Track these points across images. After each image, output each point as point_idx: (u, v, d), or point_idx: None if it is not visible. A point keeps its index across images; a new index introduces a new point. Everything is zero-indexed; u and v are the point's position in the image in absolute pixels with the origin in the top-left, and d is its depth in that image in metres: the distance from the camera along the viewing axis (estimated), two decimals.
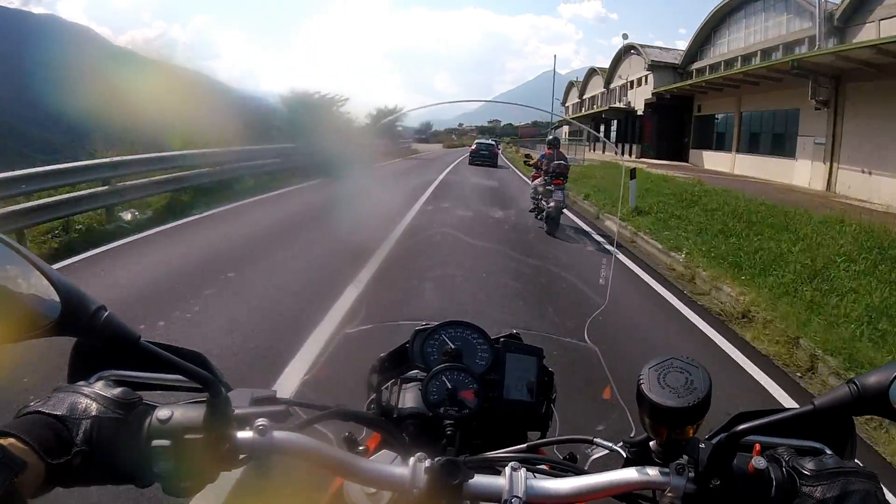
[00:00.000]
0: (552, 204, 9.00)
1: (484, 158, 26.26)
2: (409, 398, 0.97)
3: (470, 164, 25.58)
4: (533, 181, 10.38)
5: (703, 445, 0.63)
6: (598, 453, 0.79)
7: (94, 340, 0.57)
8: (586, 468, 0.76)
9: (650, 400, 0.61)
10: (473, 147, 28.05)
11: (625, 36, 31.02)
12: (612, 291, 1.42)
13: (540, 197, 9.74)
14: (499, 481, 0.66)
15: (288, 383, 2.47)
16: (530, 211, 10.10)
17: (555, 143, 10.18)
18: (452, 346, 1.01)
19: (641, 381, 0.63)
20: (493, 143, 30.78)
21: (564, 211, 9.58)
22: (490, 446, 0.79)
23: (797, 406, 0.62)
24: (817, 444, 0.67)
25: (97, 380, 0.63)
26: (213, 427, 0.60)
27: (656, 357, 0.65)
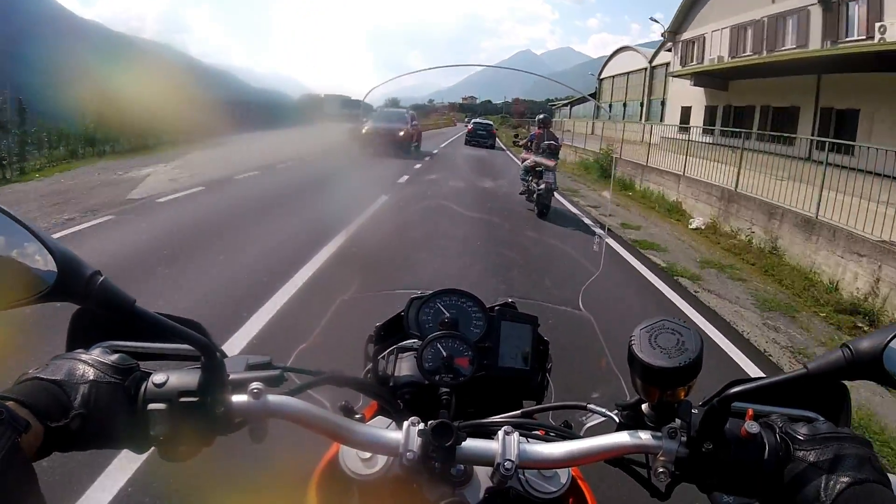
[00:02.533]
0: (542, 186, 8.79)
1: (481, 139, 25.90)
2: (404, 367, 0.98)
3: (466, 144, 25.14)
4: (522, 162, 9.97)
5: (695, 410, 0.63)
6: (593, 420, 0.80)
7: (90, 305, 0.57)
8: (581, 435, 0.77)
9: (641, 360, 0.62)
10: (470, 127, 27.47)
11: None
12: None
13: (530, 178, 9.44)
14: (492, 445, 0.66)
15: None
16: (521, 193, 9.75)
17: (545, 122, 9.91)
18: (447, 315, 1.02)
19: (633, 342, 0.63)
20: (490, 123, 29.97)
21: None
22: (486, 414, 0.80)
23: (789, 371, 0.63)
24: (811, 413, 0.67)
25: (96, 348, 0.64)
26: (208, 390, 0.61)
27: (647, 319, 0.65)
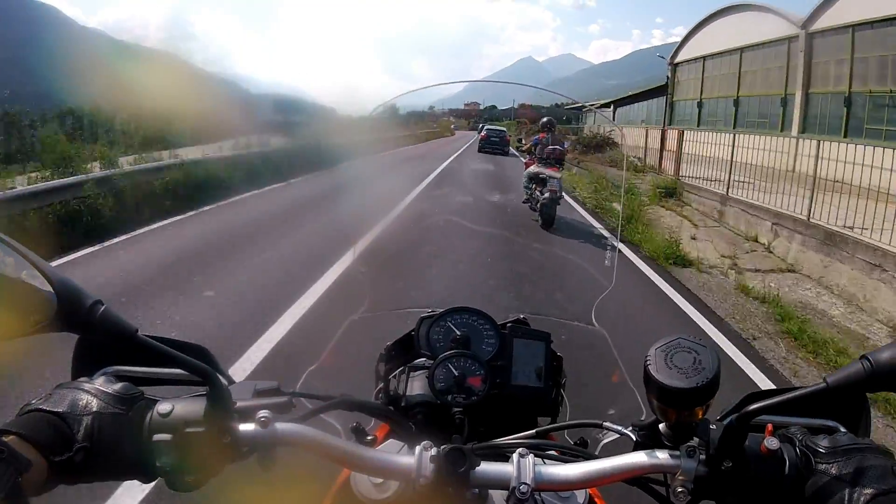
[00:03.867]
0: (546, 194, 8.05)
1: (494, 146, 25.72)
2: (416, 386, 0.97)
3: (479, 151, 25.14)
4: (526, 168, 9.17)
5: (713, 427, 0.62)
6: (609, 437, 0.78)
7: (91, 335, 0.57)
8: (597, 453, 0.76)
9: (657, 381, 0.60)
10: (483, 134, 27.38)
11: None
12: None
13: (533, 186, 8.66)
14: (506, 468, 0.65)
15: None
16: (524, 202, 8.98)
17: (549, 125, 9.17)
18: (458, 333, 1.01)
19: (648, 363, 0.62)
20: (504, 129, 29.84)
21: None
22: (500, 433, 0.78)
23: (808, 385, 0.61)
24: (831, 423, 0.66)
25: (100, 376, 0.63)
26: (215, 420, 0.60)
27: (663, 337, 0.64)
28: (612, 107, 34.42)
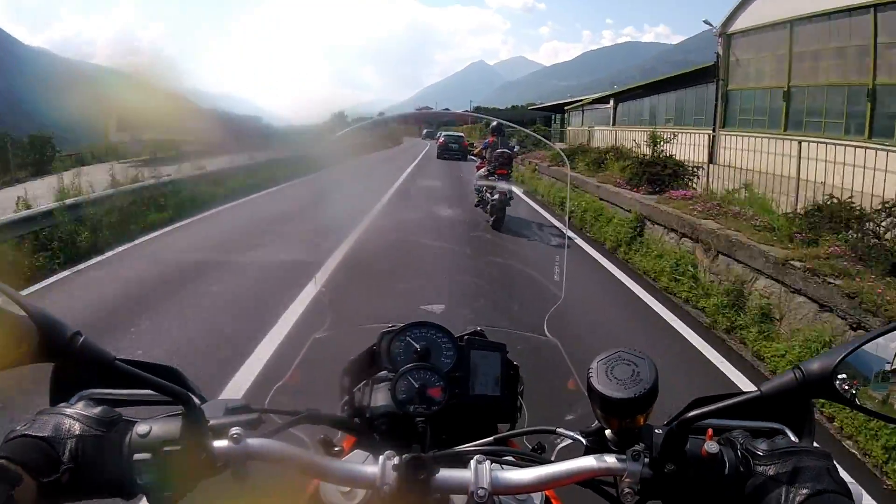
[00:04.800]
0: (496, 196, 8.35)
1: (453, 152, 25.32)
2: (379, 398, 1.01)
3: (438, 157, 24.67)
4: (477, 170, 9.76)
5: (658, 431, 0.66)
6: (564, 442, 0.82)
7: (71, 365, 0.62)
8: (553, 457, 0.80)
9: (599, 392, 0.65)
10: (441, 140, 26.69)
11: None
12: None
13: (484, 188, 8.91)
14: (465, 474, 0.69)
15: None
16: (475, 205, 9.02)
17: (498, 131, 9.56)
18: (418, 346, 1.05)
19: (591, 375, 0.67)
20: (461, 135, 28.80)
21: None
22: (461, 440, 0.82)
23: (747, 390, 0.67)
24: (776, 425, 0.69)
25: (78, 400, 0.66)
26: (190, 438, 0.64)
27: (605, 350, 0.69)
28: (610, 102, 25.23)
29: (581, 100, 30.12)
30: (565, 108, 33.04)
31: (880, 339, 0.64)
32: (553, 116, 36.80)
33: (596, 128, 25.14)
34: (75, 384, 0.69)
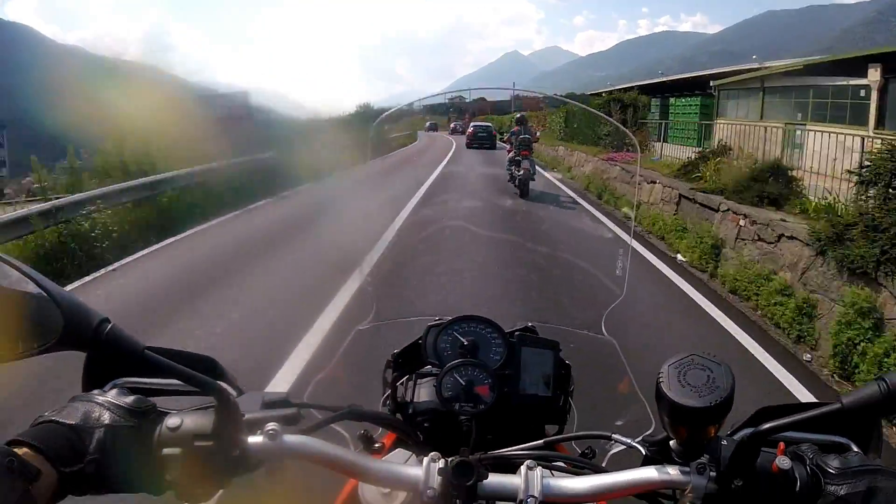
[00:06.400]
0: (521, 172, 10.78)
1: (482, 141, 26.30)
2: (423, 394, 0.98)
3: (467, 147, 25.53)
4: (508, 153, 12.04)
5: (725, 443, 0.61)
6: (617, 448, 0.78)
7: (99, 353, 0.59)
8: (604, 464, 0.76)
9: (670, 399, 0.59)
10: (471, 130, 27.83)
11: None
12: None
13: (512, 168, 11.31)
14: (514, 480, 0.65)
15: None
16: (508, 181, 11.42)
17: (521, 121, 12.30)
18: (465, 342, 1.01)
19: (661, 380, 0.61)
20: (490, 125, 30.30)
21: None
22: (508, 441, 0.78)
23: (823, 401, 0.61)
24: (843, 440, 0.65)
25: (112, 388, 0.63)
26: (223, 433, 0.60)
27: (677, 354, 0.63)
28: (711, 88, 16.11)
29: (758, 68, 15.93)
30: (711, 82, 16.01)
31: None
32: (655, 100, 19.10)
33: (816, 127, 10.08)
34: (110, 372, 0.66)
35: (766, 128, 10.41)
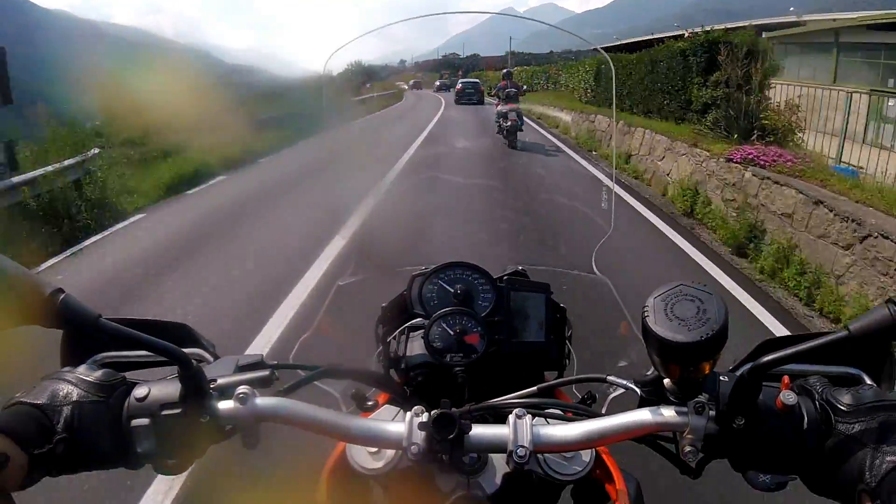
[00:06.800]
0: (508, 123, 11.67)
1: (469, 97, 27.41)
2: (415, 347, 0.94)
3: (456, 103, 26.44)
4: (496, 107, 12.80)
5: (724, 379, 0.57)
6: (616, 392, 0.74)
7: (54, 326, 0.57)
8: (604, 409, 0.73)
9: (657, 335, 0.55)
10: (459, 87, 28.90)
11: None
12: None
13: (500, 120, 12.19)
14: (503, 430, 0.62)
15: None
16: (497, 133, 12.30)
17: (508, 75, 13.31)
18: (453, 290, 0.98)
19: (646, 314, 0.57)
20: (477, 81, 31.21)
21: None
22: (505, 391, 0.75)
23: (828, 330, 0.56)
24: (854, 371, 0.61)
25: (84, 365, 0.61)
26: (190, 400, 0.59)
27: (663, 285, 0.59)
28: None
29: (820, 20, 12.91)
30: (763, 33, 12.19)
31: None
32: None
33: None
34: (87, 349, 0.65)
35: (848, 93, 7.89)
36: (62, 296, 0.56)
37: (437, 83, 38.71)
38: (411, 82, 33.10)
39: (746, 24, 13.22)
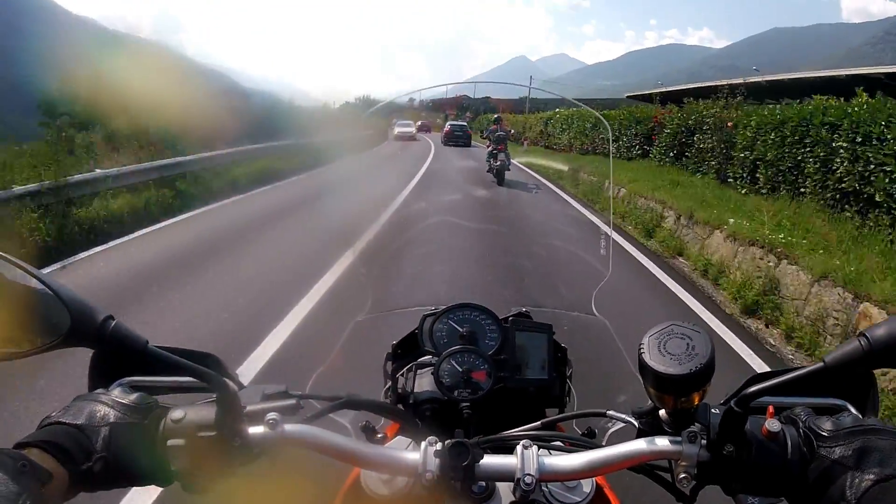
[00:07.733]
0: (497, 163, 13.13)
1: (457, 139, 27.23)
2: (423, 383, 0.99)
3: (444, 144, 26.18)
4: (487, 149, 14.19)
5: (714, 411, 0.62)
6: (615, 426, 0.78)
7: (104, 349, 0.61)
8: (604, 442, 0.77)
9: (652, 369, 0.60)
10: (447, 129, 28.29)
11: None
12: None
13: (490, 160, 13.65)
14: (511, 460, 0.66)
15: None
16: (487, 171, 13.69)
17: (498, 120, 14.87)
18: (461, 330, 1.03)
19: (642, 351, 0.62)
20: (465, 124, 30.98)
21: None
22: (509, 426, 0.79)
23: (808, 365, 0.60)
24: (837, 401, 0.65)
25: (116, 387, 0.65)
26: (224, 424, 0.62)
27: (657, 325, 0.64)
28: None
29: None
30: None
31: None
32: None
33: None
34: (115, 371, 0.68)
35: None
36: (114, 322, 0.60)
37: (419, 123, 31.99)
38: (418, 123, 31.35)
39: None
